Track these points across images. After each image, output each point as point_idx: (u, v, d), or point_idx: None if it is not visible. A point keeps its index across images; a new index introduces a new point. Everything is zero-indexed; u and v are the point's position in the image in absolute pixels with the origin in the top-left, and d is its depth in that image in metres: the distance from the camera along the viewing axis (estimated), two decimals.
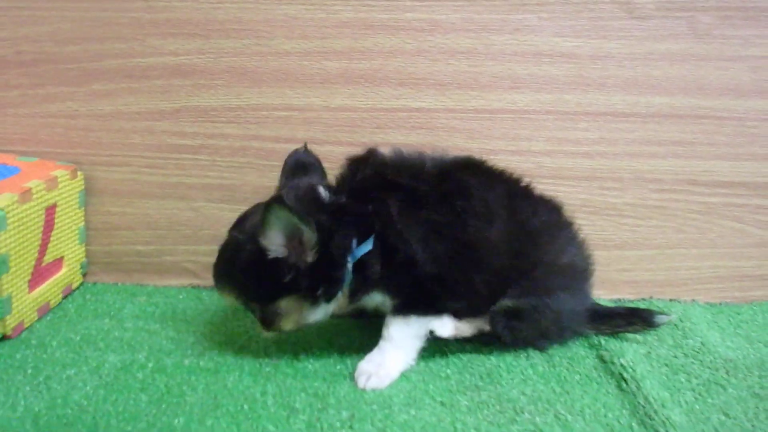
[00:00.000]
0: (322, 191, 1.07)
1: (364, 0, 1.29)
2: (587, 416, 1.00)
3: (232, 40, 1.32)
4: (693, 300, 1.47)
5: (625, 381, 1.10)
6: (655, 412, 1.00)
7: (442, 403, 1.02)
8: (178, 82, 1.35)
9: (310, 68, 1.34)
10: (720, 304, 1.47)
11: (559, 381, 1.11)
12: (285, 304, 1.03)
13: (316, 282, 1.01)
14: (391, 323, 1.09)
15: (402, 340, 1.09)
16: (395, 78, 1.34)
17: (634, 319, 1.25)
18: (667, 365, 1.17)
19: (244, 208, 1.21)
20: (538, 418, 0.98)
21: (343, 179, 1.12)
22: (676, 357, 1.20)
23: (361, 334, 1.23)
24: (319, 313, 1.06)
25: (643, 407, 1.02)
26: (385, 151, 1.13)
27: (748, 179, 1.40)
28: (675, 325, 1.32)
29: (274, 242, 0.97)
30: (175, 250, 1.46)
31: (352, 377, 1.08)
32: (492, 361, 1.16)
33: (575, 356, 1.19)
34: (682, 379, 1.12)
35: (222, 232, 1.17)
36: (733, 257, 1.46)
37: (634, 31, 1.32)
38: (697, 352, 1.22)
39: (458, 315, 1.13)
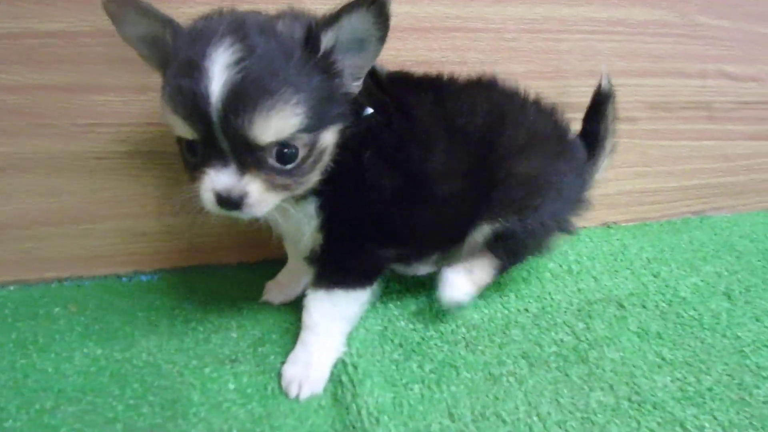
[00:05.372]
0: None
1: None
2: None
3: None
4: None
5: (342, 386, 0.91)
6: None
7: None
8: None
9: None
10: None
11: (272, 398, 0.88)
12: (328, 137, 0.81)
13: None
14: (312, 304, 0.92)
15: (328, 325, 0.92)
16: None
17: (601, 106, 1.12)
18: (401, 346, 1.00)
19: None
20: None
21: None
22: (414, 330, 1.04)
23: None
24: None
25: (353, 427, 0.84)
26: None
27: None
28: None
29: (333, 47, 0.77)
30: None
31: None
32: (180, 390, 0.89)
33: None
34: (414, 367, 0.95)
35: None
36: None
37: None
38: (441, 321, 1.06)
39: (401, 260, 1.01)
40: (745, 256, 1.34)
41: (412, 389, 0.91)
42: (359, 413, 0.86)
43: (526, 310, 1.12)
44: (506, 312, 1.11)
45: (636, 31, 1.20)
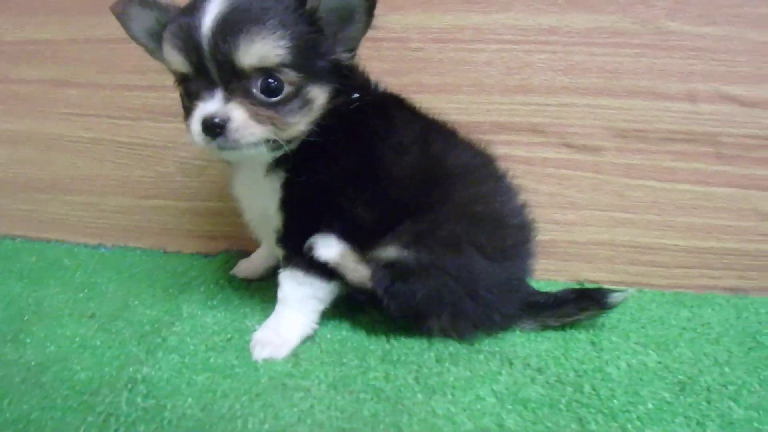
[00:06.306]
0: None
1: None
2: None
3: None
4: None
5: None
6: None
7: None
8: None
9: None
10: None
11: (89, 348, 0.95)
12: (317, 91, 0.85)
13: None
14: (282, 280, 0.96)
15: (297, 301, 0.95)
16: (13, 6, 1.22)
17: (584, 302, 0.97)
18: (229, 340, 0.96)
19: None
20: None
21: None
22: (254, 329, 0.99)
23: None
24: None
25: None
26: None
27: None
28: None
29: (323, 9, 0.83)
30: None
31: None
32: (32, 326, 1.04)
33: None
34: (220, 360, 0.92)
35: None
36: None
37: None
38: None
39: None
40: (761, 350, 0.95)
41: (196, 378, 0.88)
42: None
43: (388, 341, 0.98)
44: (358, 339, 0.98)
45: (577, 41, 1.02)
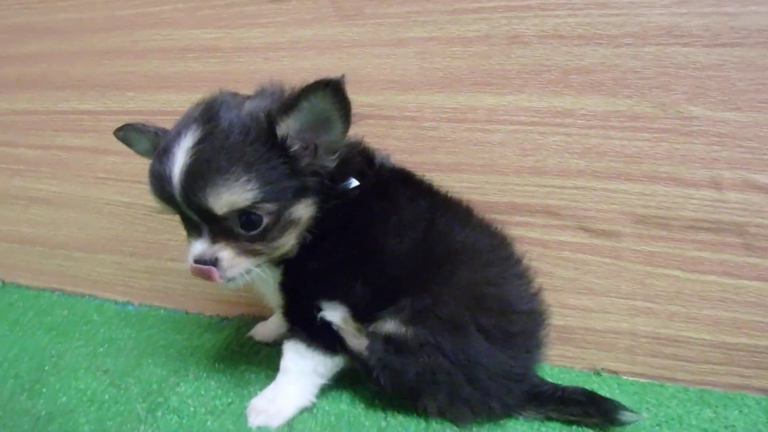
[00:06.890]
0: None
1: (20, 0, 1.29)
2: None
3: None
4: None
5: None
6: None
7: None
8: None
9: None
10: None
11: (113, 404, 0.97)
12: (300, 209, 0.85)
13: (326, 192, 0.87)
14: (285, 351, 0.96)
15: (297, 373, 0.95)
16: (59, 81, 1.32)
17: (593, 410, 0.92)
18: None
19: None
20: None
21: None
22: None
23: None
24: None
25: None
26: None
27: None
28: None
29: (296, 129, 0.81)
30: None
31: None
32: (50, 377, 1.06)
33: None
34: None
35: None
36: None
37: (277, 16, 1.12)
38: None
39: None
40: None
41: None
42: None
43: (385, 419, 0.96)
44: (355, 414, 0.97)
45: (592, 123, 0.99)
